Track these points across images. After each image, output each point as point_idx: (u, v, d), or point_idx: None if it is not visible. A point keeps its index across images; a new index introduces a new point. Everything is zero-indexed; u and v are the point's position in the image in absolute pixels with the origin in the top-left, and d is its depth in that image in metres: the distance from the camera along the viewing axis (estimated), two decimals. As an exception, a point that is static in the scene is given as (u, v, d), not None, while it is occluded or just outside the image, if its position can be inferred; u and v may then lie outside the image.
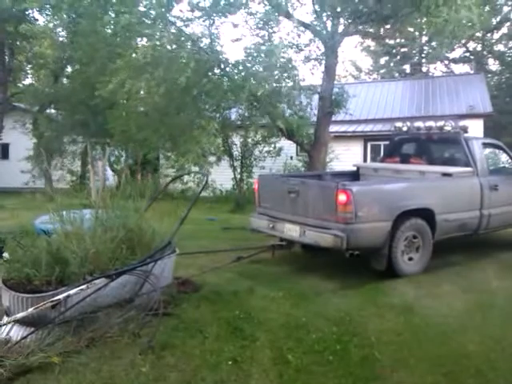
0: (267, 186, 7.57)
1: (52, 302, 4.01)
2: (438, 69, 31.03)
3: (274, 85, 9.40)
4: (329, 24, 10.43)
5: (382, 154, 10.93)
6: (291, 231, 6.66)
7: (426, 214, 6.57)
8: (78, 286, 4.18)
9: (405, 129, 8.34)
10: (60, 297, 4.05)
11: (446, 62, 30.28)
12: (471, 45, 28.20)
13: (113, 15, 9.99)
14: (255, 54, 9.55)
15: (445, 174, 7.24)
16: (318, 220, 6.29)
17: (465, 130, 7.65)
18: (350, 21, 10.53)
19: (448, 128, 7.66)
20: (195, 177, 14.40)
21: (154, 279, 4.70)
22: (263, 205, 7.45)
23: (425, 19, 9.84)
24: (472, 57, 28.74)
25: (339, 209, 5.97)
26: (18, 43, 17.14)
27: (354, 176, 8.65)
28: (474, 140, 7.69)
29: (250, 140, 16.19)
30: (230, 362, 3.83)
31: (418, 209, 6.49)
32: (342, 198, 5.93)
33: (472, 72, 25.25)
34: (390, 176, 7.88)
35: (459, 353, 4.09)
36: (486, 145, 8.24)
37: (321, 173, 9.25)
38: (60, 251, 4.44)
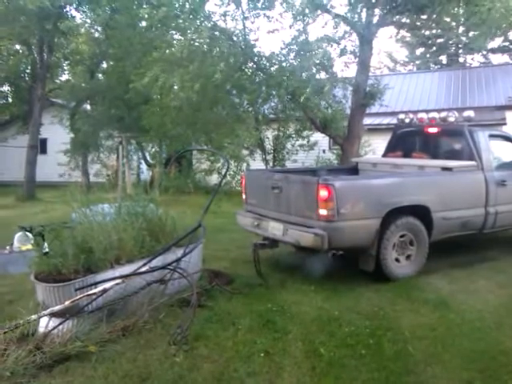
0: (253, 181, 7.05)
1: (88, 295, 4.12)
2: (475, 59, 30.28)
3: (310, 79, 9.31)
4: (364, 15, 10.29)
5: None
6: (275, 229, 6.17)
7: (421, 212, 6.07)
8: (114, 280, 4.28)
9: (407, 121, 7.79)
10: (96, 290, 4.16)
11: (484, 52, 29.49)
12: (511, 34, 27.34)
13: (147, 10, 10.15)
14: (291, 47, 9.52)
15: (444, 169, 6.64)
16: (301, 218, 5.82)
17: (469, 120, 7.10)
18: (385, 11, 10.37)
19: (451, 119, 7.18)
20: (222, 168, 13.91)
21: (183, 267, 4.78)
22: (250, 201, 6.96)
23: (463, 9, 9.59)
24: (512, 46, 27.92)
25: (320, 205, 5.49)
26: (55, 40, 17.49)
27: (353, 171, 8.07)
28: (480, 131, 7.04)
29: (281, 133, 16.15)
30: (262, 354, 3.86)
31: (410, 206, 5.98)
32: (323, 193, 5.45)
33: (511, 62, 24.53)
34: (387, 171, 7.37)
35: (495, 349, 4.01)
36: (493, 137, 7.33)
37: (316, 168, 8.80)
38: (85, 241, 4.58)
